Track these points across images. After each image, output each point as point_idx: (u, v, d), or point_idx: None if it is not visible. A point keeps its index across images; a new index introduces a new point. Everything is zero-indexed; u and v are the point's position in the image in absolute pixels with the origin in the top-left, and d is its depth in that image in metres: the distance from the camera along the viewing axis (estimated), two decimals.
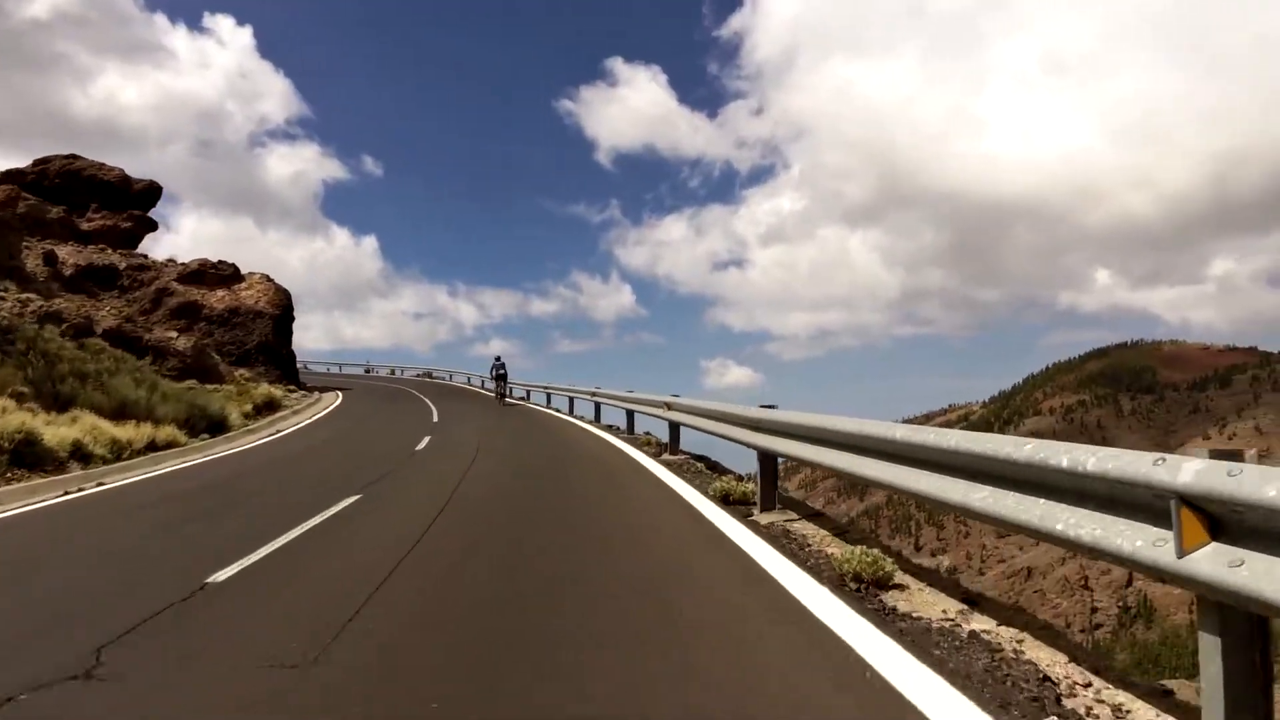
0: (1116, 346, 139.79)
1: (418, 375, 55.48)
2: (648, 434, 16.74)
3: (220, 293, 37.22)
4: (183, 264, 37.88)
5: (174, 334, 30.60)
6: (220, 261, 38.59)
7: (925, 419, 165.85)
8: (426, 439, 16.24)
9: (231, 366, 33.73)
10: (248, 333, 36.27)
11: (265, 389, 26.41)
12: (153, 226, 40.89)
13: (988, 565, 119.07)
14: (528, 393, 32.88)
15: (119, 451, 15.01)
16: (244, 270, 39.65)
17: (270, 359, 35.96)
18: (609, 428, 19.05)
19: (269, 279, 38.89)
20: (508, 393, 32.01)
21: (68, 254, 35.98)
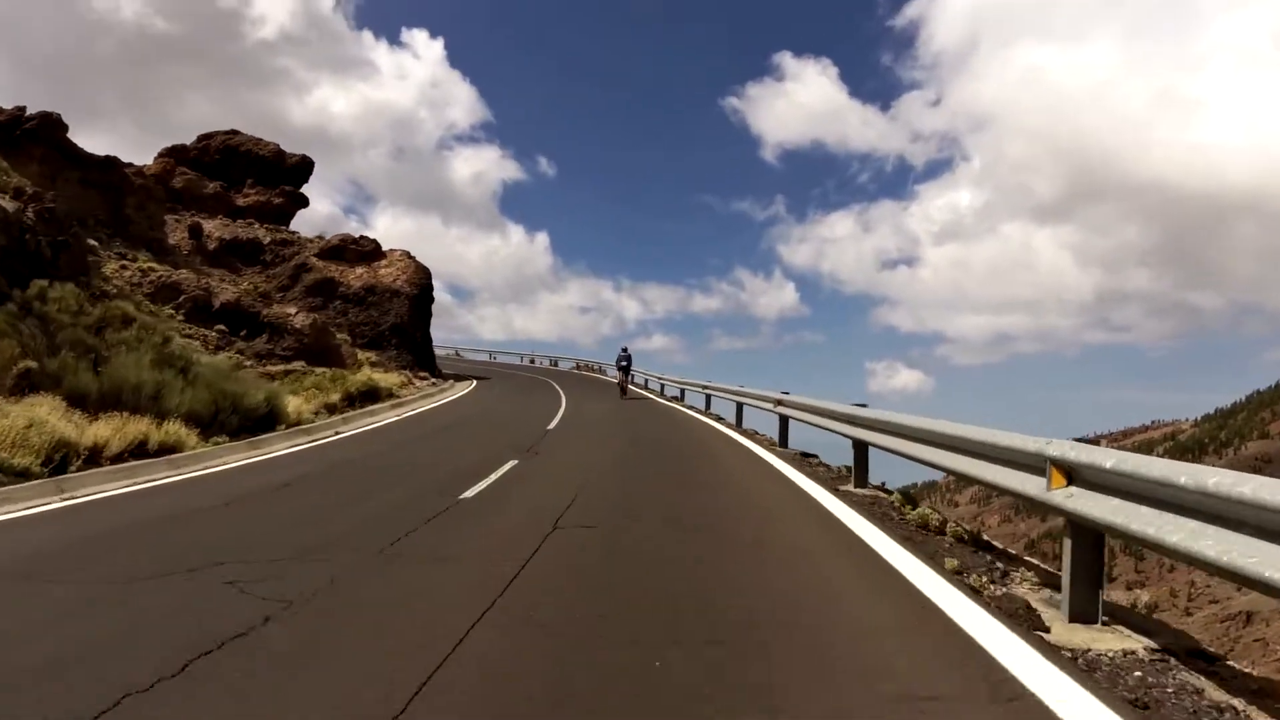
0: None
1: (573, 367, 50.01)
2: (911, 495, 8.50)
3: (359, 270, 32.82)
4: (324, 239, 33.88)
5: (292, 310, 26.00)
6: (361, 237, 34.28)
7: (1123, 436, 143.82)
8: (508, 466, 9.37)
9: (357, 349, 28.96)
10: (383, 313, 31.55)
11: (365, 376, 20.87)
12: (304, 203, 37.40)
13: (1196, 605, 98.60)
14: (682, 391, 25.61)
15: (61, 461, 9.23)
16: (393, 247, 35.36)
17: (403, 342, 31.03)
18: (802, 459, 11.29)
19: (410, 256, 34.14)
20: (630, 382, 27.96)
21: (214, 228, 32.80)
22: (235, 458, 10.74)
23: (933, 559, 5.27)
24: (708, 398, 21.13)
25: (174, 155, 36.24)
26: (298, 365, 23.13)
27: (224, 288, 26.34)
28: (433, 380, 29.17)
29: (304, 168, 37.38)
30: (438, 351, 58.50)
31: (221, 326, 24.58)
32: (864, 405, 8.73)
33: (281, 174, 37.00)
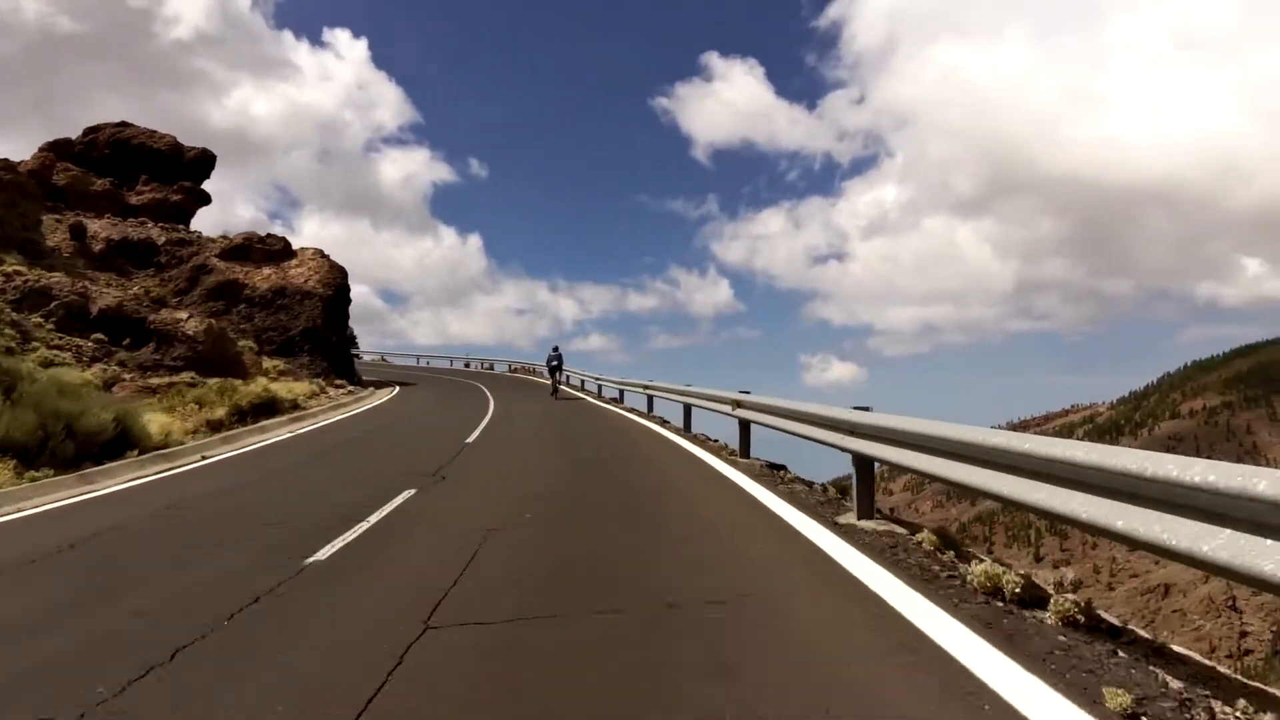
0: (1268, 343, 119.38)
1: (508, 369, 47.53)
2: (949, 535, 6.41)
3: (266, 270, 29.73)
4: (227, 238, 30.64)
5: (183, 315, 22.95)
6: (269, 235, 31.14)
7: (1044, 421, 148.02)
8: (398, 500, 7.19)
9: (263, 356, 26.00)
10: (293, 317, 28.57)
11: (260, 386, 18.17)
12: (205, 200, 33.98)
13: (1118, 580, 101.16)
14: (621, 392, 23.63)
15: None
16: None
17: (317, 348, 28.12)
18: (772, 474, 9.30)
19: (323, 254, 31.17)
20: (562, 383, 27.28)
21: (100, 228, 29.23)
22: (45, 500, 8.21)
23: (1074, 684, 2.96)
24: (650, 399, 19.16)
25: (56, 150, 32.40)
26: (186, 377, 20.24)
27: (105, 292, 23.12)
28: (350, 388, 26.42)
29: (204, 162, 33.96)
30: (366, 357, 55.27)
31: (100, 335, 21.50)
32: (866, 409, 6.45)
33: (180, 169, 33.52)
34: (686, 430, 14.79)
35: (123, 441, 11.61)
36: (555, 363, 25.67)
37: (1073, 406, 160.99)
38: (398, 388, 28.37)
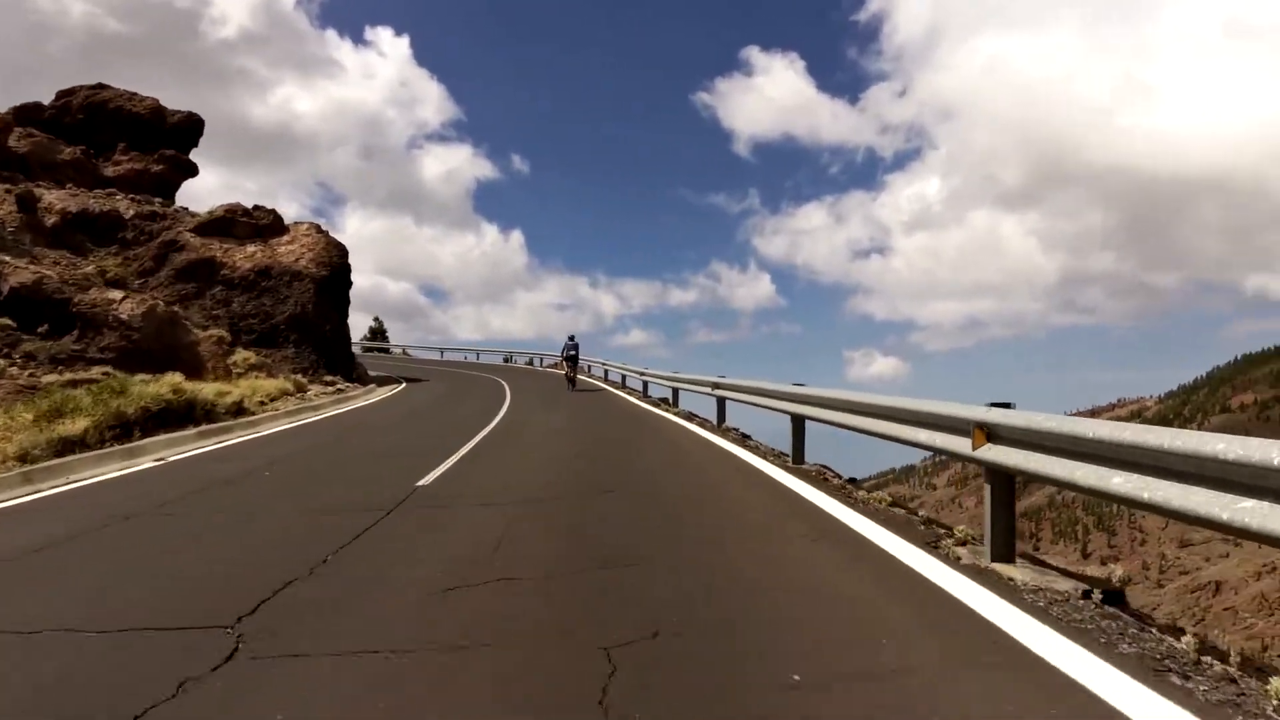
0: None
1: (543, 365, 41.82)
2: None
3: (251, 248, 24.27)
4: (210, 212, 25.25)
5: (116, 296, 17.43)
6: (256, 207, 25.65)
7: (1090, 415, 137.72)
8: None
9: (237, 347, 20.48)
10: (278, 301, 23.04)
11: (168, 386, 12.43)
12: (192, 171, 28.74)
13: (1167, 577, 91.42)
14: (674, 391, 17.46)
15: None
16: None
17: (306, 338, 22.55)
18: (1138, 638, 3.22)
19: (319, 229, 25.61)
20: (577, 373, 24.05)
21: (57, 199, 24.04)
22: None
23: None
24: (721, 403, 12.96)
25: (23, 115, 27.44)
26: (96, 373, 14.74)
27: (23, 269, 17.79)
28: (339, 386, 20.81)
29: (190, 128, 28.71)
30: (394, 350, 50.07)
31: (7, 320, 16.16)
32: None
33: (162, 136, 28.31)
34: (797, 460, 8.55)
35: None
36: (573, 353, 23.37)
37: (1119, 400, 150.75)
38: (403, 384, 22.74)
